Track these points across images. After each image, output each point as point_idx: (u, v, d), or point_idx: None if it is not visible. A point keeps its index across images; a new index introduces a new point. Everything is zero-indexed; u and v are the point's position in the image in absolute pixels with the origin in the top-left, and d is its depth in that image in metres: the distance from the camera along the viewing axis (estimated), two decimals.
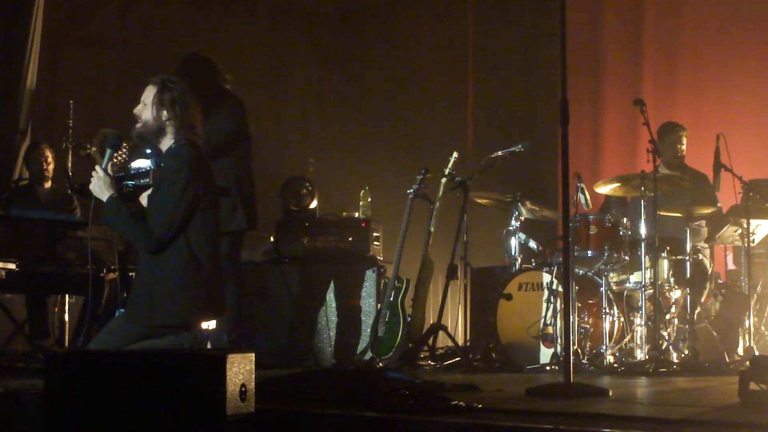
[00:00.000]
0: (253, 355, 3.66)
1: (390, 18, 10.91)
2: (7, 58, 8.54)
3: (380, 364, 6.95)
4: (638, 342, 6.86)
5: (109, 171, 4.99)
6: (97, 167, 4.98)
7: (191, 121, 5.00)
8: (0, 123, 8.47)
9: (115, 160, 7.07)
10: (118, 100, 9.38)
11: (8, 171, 8.39)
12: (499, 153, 7.55)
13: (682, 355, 6.79)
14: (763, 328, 7.24)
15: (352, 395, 4.18)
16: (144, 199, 5.08)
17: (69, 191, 7.56)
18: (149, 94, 5.00)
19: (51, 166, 7.71)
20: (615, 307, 6.94)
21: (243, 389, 3.53)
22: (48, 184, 7.75)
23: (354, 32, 10.94)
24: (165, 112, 4.96)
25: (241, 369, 3.54)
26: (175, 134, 4.98)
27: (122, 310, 6.16)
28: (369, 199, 7.87)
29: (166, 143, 5.01)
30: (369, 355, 7.16)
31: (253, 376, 3.63)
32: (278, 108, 10.47)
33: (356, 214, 7.85)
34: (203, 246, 4.91)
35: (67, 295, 7.35)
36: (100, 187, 4.94)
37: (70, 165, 7.64)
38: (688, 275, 6.98)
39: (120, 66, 9.84)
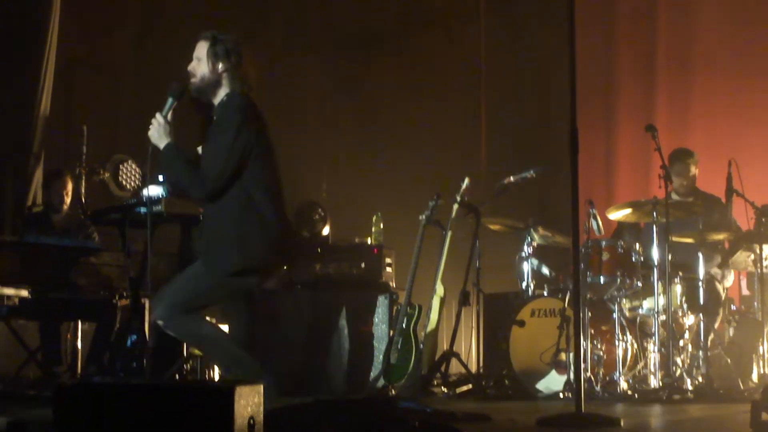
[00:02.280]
0: (262, 386, 3.65)
1: (403, 42, 10.92)
2: (21, 83, 8.57)
3: (393, 391, 6.93)
4: (651, 368, 6.84)
5: (169, 118, 5.08)
6: (157, 114, 5.09)
7: (245, 71, 5.13)
8: (14, 148, 8.49)
9: (128, 187, 7.14)
10: (132, 126, 9.40)
11: (22, 197, 8.40)
12: (512, 179, 7.56)
13: (696, 382, 6.76)
14: None
15: (363, 426, 4.17)
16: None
17: (82, 217, 7.58)
18: (202, 49, 5.14)
19: (69, 198, 7.74)
20: (628, 334, 6.92)
21: (251, 422, 3.52)
22: (63, 211, 7.77)
23: (367, 57, 10.94)
24: (221, 64, 5.10)
25: (249, 401, 3.53)
26: (231, 84, 5.10)
27: (134, 337, 6.18)
28: (381, 225, 7.87)
29: (221, 95, 5.11)
30: (381, 382, 7.12)
31: (262, 408, 3.61)
32: (291, 133, 10.46)
33: (368, 240, 7.84)
34: (260, 191, 4.99)
35: (80, 322, 7.35)
36: (159, 133, 5.04)
37: (83, 191, 7.66)
38: (702, 301, 6.95)
39: (134, 92, 9.86)
